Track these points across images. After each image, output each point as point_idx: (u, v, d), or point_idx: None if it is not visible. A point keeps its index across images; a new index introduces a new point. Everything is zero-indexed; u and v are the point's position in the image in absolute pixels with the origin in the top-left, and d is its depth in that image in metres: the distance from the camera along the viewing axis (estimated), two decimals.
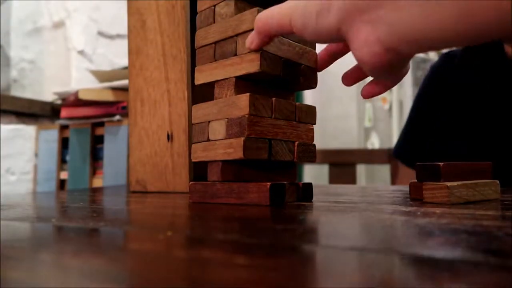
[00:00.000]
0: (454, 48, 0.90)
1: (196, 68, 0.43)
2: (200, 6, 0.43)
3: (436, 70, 0.85)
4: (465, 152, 0.74)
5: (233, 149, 0.37)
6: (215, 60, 0.41)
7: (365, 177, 2.54)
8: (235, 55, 0.39)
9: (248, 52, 0.38)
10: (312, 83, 0.43)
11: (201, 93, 0.68)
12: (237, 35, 0.39)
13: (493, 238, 0.21)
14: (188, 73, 0.56)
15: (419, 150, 0.84)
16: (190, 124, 0.54)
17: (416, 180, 0.39)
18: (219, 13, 0.41)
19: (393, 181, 0.99)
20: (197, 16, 0.43)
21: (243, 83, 0.39)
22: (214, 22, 0.41)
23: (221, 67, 0.40)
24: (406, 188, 0.57)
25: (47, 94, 1.30)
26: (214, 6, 0.41)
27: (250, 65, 0.38)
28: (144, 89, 0.60)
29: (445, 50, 0.90)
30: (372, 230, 0.24)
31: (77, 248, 0.21)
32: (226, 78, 0.40)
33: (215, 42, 0.41)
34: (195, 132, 0.41)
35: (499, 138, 0.59)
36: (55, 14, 1.37)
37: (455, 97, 0.79)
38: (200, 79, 0.42)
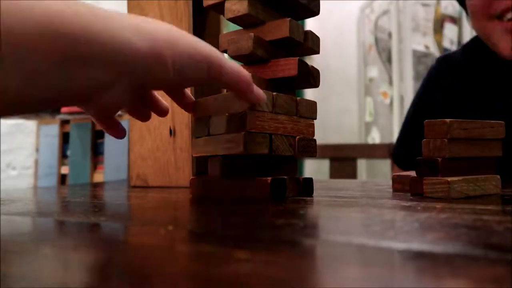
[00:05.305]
0: (450, 52, 0.89)
1: None
2: (206, 1, 0.43)
3: (434, 74, 0.85)
4: None
5: (234, 144, 0.37)
6: None
7: (366, 171, 2.54)
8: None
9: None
10: (317, 82, 0.43)
11: (202, 88, 0.67)
12: None
13: (493, 232, 0.21)
14: None
15: (414, 154, 0.84)
16: (193, 119, 0.54)
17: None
18: (231, 9, 0.40)
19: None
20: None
21: None
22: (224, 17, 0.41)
23: None
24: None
25: None
26: (224, 1, 0.41)
27: None
28: None
29: (441, 55, 0.90)
30: (372, 225, 0.24)
31: (78, 243, 0.21)
32: None
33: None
34: (195, 127, 0.41)
35: None
36: None
37: (451, 100, 0.79)
38: None
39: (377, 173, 2.58)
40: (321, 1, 0.44)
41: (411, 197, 0.37)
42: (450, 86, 0.80)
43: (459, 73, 0.79)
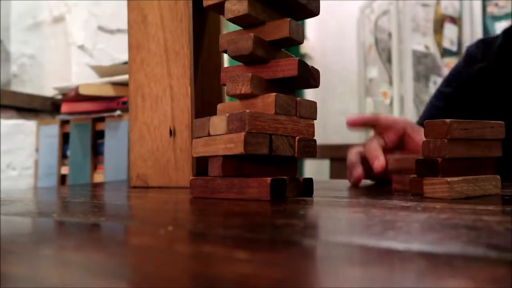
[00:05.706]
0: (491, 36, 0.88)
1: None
2: (206, 1, 0.43)
3: (472, 54, 0.84)
4: None
5: (234, 144, 0.37)
6: None
7: None
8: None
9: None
10: (317, 83, 0.43)
11: (202, 88, 0.67)
12: None
13: (493, 232, 0.21)
14: (191, 69, 0.56)
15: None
16: (193, 120, 0.54)
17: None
18: (230, 9, 0.40)
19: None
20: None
21: None
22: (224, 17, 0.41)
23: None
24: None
25: (48, 89, 1.30)
26: (224, 1, 0.41)
27: None
28: (146, 85, 0.60)
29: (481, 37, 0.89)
30: (372, 225, 0.24)
31: (78, 243, 0.21)
32: None
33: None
34: (195, 127, 0.41)
35: None
36: (55, 9, 1.37)
37: (486, 82, 0.78)
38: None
39: None
40: (321, 1, 0.44)
41: (411, 197, 0.37)
42: (485, 67, 0.79)
43: (496, 55, 0.79)
